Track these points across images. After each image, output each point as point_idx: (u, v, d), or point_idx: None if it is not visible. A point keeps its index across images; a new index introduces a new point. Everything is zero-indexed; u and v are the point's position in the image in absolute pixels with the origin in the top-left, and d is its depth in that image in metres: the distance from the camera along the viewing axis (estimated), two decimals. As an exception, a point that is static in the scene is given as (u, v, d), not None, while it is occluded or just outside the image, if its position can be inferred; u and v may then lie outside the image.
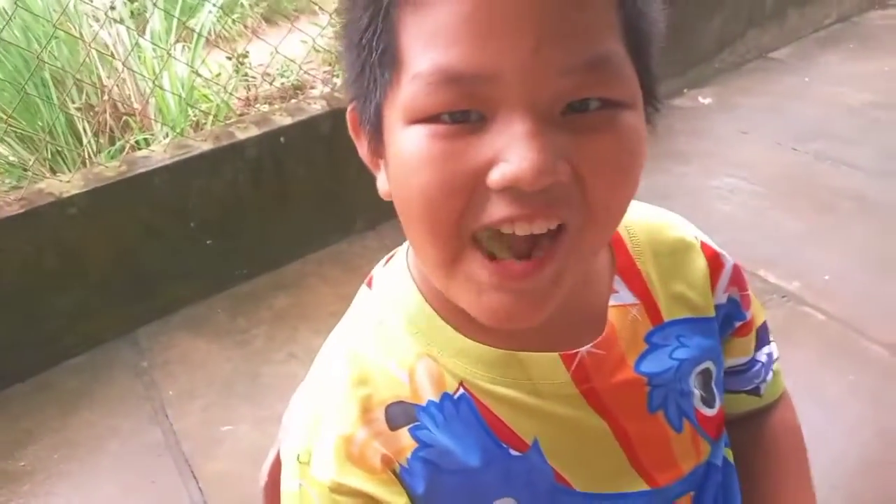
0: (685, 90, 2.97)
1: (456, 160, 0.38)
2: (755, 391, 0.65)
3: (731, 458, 0.61)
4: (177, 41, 2.32)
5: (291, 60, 2.42)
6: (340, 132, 2.25)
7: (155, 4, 2.18)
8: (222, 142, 1.96)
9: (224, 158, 1.97)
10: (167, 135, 2.12)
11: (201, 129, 2.10)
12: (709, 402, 0.56)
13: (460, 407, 0.47)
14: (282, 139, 2.03)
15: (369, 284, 0.55)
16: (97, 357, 1.84)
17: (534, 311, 0.41)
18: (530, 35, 0.36)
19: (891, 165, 2.37)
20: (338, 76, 2.48)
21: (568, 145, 0.37)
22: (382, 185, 0.47)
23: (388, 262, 0.56)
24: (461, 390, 0.48)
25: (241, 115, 2.17)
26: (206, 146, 1.94)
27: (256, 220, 2.08)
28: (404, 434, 0.47)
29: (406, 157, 0.40)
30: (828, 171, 2.39)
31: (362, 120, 0.45)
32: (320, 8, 2.48)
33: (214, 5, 2.47)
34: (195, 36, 2.31)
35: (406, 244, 0.53)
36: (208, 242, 2.01)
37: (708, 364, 0.56)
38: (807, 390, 1.45)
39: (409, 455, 0.46)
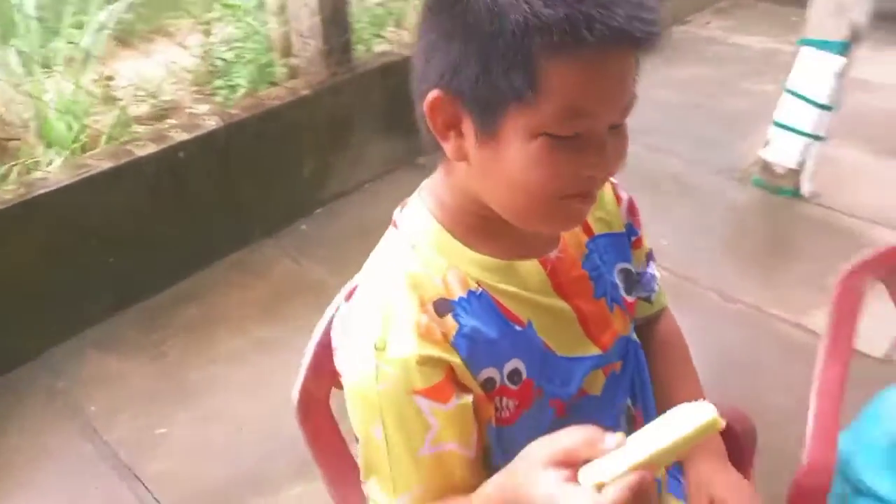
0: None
1: (568, 163, 0.61)
2: (648, 299, 0.93)
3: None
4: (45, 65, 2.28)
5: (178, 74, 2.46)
6: (235, 145, 2.39)
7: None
8: (120, 160, 2.01)
9: (123, 176, 2.01)
10: (51, 161, 2.09)
11: (91, 150, 2.11)
12: (628, 292, 0.83)
13: (481, 300, 0.69)
14: (180, 154, 2.11)
15: (395, 225, 0.74)
16: (12, 381, 1.82)
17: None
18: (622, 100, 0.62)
19: (701, 153, 2.91)
20: (217, 93, 2.55)
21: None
22: (456, 152, 0.65)
23: (403, 208, 0.75)
24: (480, 289, 0.69)
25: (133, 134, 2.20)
26: (105, 165, 1.98)
27: (158, 234, 2.13)
28: (449, 319, 0.67)
29: (532, 155, 0.61)
30: (655, 159, 2.87)
31: (469, 106, 0.62)
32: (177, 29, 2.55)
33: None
34: (85, 55, 2.29)
35: (418, 194, 0.73)
36: (111, 260, 2.04)
37: (625, 265, 0.83)
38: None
39: (454, 333, 0.67)
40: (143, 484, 1.60)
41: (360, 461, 0.73)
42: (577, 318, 0.76)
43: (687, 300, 2.08)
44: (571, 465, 0.57)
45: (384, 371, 0.65)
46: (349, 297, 0.74)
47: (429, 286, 0.68)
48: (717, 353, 1.84)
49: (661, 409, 0.91)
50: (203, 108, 2.47)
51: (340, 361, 0.72)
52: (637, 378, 0.89)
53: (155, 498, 1.58)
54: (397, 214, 0.75)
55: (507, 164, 0.63)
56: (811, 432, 1.02)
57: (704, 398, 0.92)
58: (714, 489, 0.86)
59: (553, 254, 0.74)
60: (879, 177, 2.71)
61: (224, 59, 2.62)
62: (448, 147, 0.66)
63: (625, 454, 0.55)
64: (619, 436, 0.56)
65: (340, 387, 0.76)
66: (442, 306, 0.67)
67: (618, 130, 0.64)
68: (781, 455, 1.06)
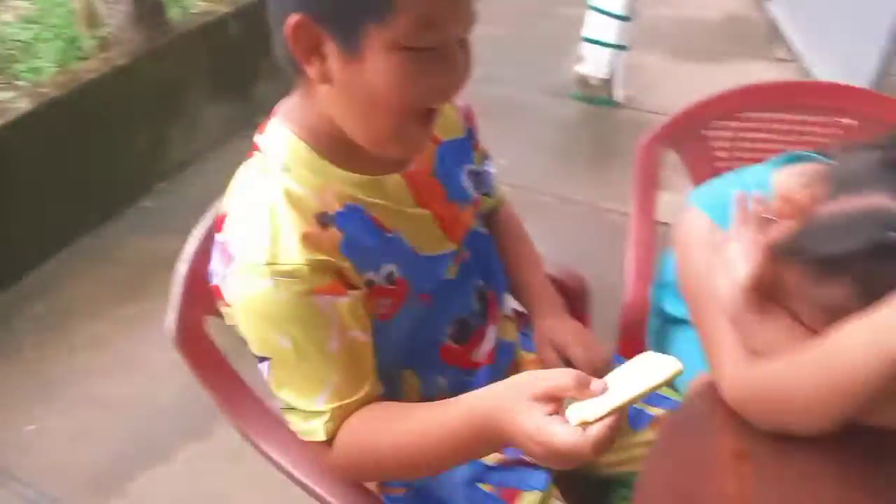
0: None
1: (425, 74, 0.67)
2: (489, 193, 1.04)
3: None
4: None
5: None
6: (55, 126, 2.22)
7: None
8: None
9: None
10: None
11: None
12: (474, 190, 0.94)
13: (355, 213, 0.76)
14: (-8, 143, 1.95)
15: (257, 149, 0.77)
16: None
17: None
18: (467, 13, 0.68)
19: (526, 78, 3.11)
20: (21, 77, 2.35)
21: None
22: (320, 75, 0.68)
23: (262, 132, 0.78)
24: (353, 202, 0.76)
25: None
26: None
27: (-15, 232, 1.98)
28: (332, 230, 0.73)
29: (393, 68, 0.65)
30: (485, 89, 3.03)
31: (330, 28, 0.65)
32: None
33: None
34: None
35: (277, 119, 0.76)
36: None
37: (470, 166, 0.93)
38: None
39: (340, 241, 0.73)
40: (23, 481, 1.54)
41: (269, 380, 0.76)
42: (436, 222, 0.85)
43: (530, 208, 2.23)
44: (556, 401, 0.62)
45: (281, 282, 0.69)
46: (219, 226, 0.76)
47: (308, 202, 0.73)
48: (560, 248, 2.04)
49: (511, 286, 1.06)
50: (8, 94, 2.28)
51: (231, 287, 0.73)
52: (486, 263, 1.00)
53: (41, 492, 1.52)
54: (259, 139, 0.78)
55: (370, 80, 0.67)
56: (629, 277, 1.21)
57: (544, 270, 1.09)
58: (556, 335, 1.00)
59: (412, 166, 0.83)
60: (679, 78, 3.05)
61: (20, 41, 2.41)
62: (311, 70, 0.69)
63: (603, 398, 0.61)
64: (602, 381, 0.62)
65: (218, 314, 0.79)
66: (324, 219, 0.73)
67: (464, 45, 0.71)
68: (614, 317, 1.22)
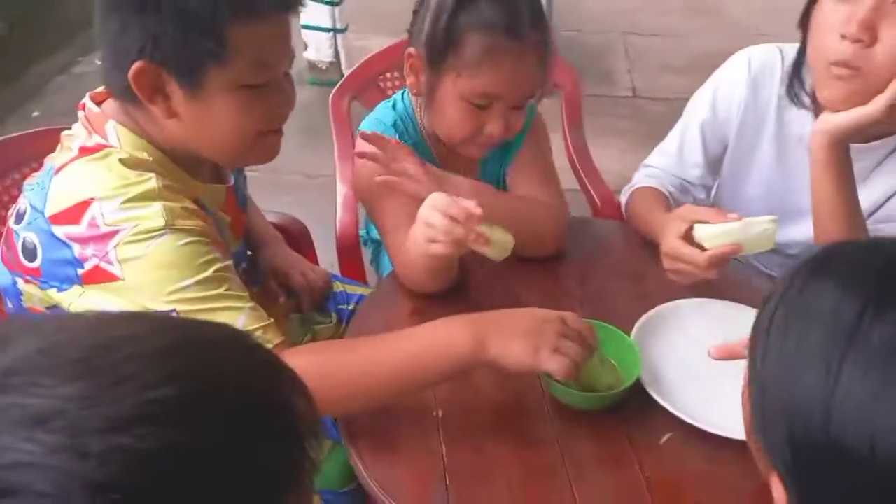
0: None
1: (265, 105, 0.82)
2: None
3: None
4: None
5: None
6: None
7: None
8: None
9: None
10: None
11: None
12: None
13: (202, 208, 0.85)
14: None
15: (98, 149, 0.80)
16: None
17: None
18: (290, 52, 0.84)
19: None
20: None
21: None
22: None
23: (94, 131, 0.82)
24: (199, 201, 0.86)
25: None
26: None
27: None
28: (202, 215, 0.83)
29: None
30: None
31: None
32: None
33: None
34: None
35: (117, 125, 0.81)
36: None
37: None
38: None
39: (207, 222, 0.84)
40: None
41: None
42: (232, 225, 0.99)
43: (282, 187, 2.40)
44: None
45: (179, 233, 0.77)
46: (68, 219, 0.77)
47: (176, 195, 0.80)
48: (308, 217, 2.21)
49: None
50: None
51: (126, 254, 0.75)
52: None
53: None
54: (95, 138, 0.81)
55: (217, 113, 0.80)
56: (338, 211, 1.40)
57: (264, 219, 1.25)
58: (277, 262, 1.19)
59: (230, 184, 0.98)
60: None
61: None
62: (157, 109, 0.79)
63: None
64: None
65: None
66: (192, 206, 0.82)
67: (287, 76, 0.86)
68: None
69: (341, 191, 1.41)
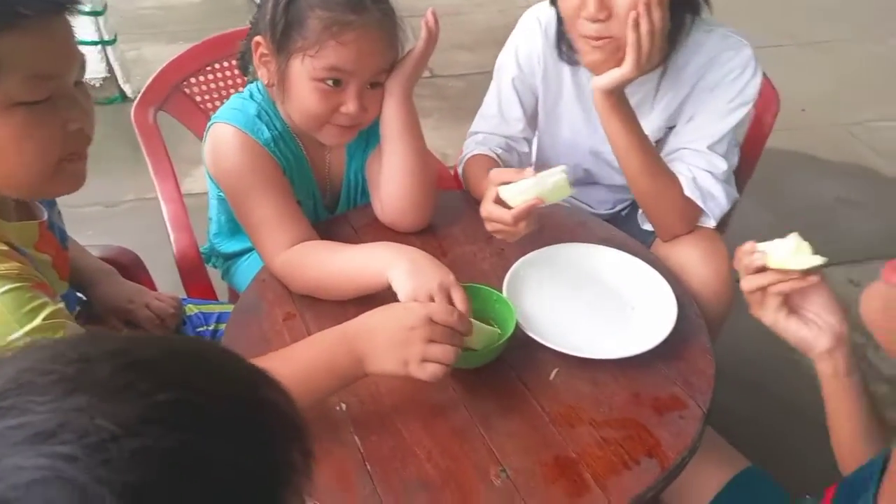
0: None
1: (50, 124, 0.72)
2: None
3: None
4: None
5: None
6: None
7: None
8: None
9: None
10: None
11: None
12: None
13: (15, 250, 0.77)
14: None
15: None
16: None
17: None
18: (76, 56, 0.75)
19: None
20: None
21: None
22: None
23: None
24: (9, 243, 0.76)
25: None
26: None
27: None
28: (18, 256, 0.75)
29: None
30: None
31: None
32: None
33: None
34: None
35: None
36: None
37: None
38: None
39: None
40: None
41: None
42: (54, 264, 0.87)
43: (80, 223, 2.14)
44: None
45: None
46: None
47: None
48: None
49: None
50: None
51: None
52: None
53: None
54: None
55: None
56: (171, 231, 1.31)
57: (90, 256, 1.12)
58: (115, 302, 1.10)
59: (45, 217, 0.86)
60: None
61: None
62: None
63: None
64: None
65: None
66: (3, 247, 0.75)
67: (79, 85, 0.76)
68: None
69: (168, 210, 1.31)
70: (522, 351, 0.91)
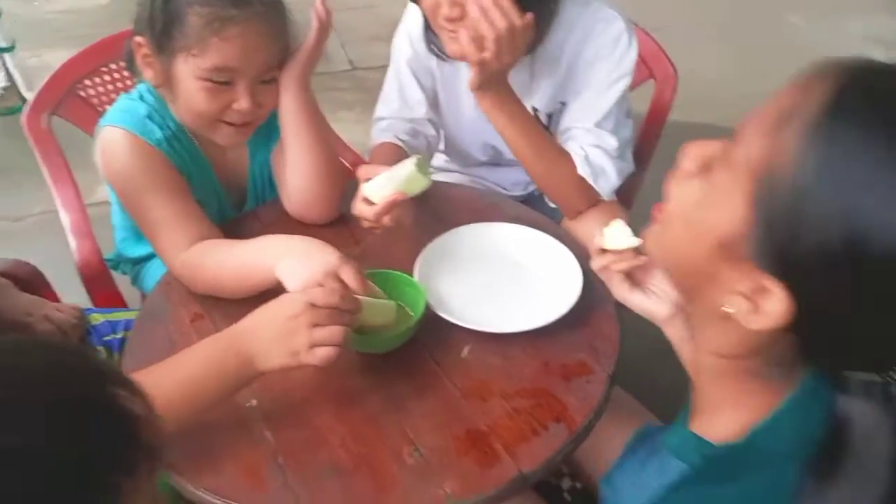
0: None
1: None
2: None
3: None
4: None
5: None
6: None
7: None
8: None
9: None
10: None
11: None
12: None
13: None
14: None
15: None
16: None
17: None
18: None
19: None
20: None
21: None
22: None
23: None
24: None
25: None
26: None
27: None
28: None
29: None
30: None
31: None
32: None
33: None
34: None
35: None
36: None
37: None
38: None
39: None
40: None
41: None
42: None
43: None
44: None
45: None
46: None
47: None
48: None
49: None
50: None
51: None
52: None
53: None
54: None
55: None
56: (71, 240, 1.26)
57: None
58: (15, 315, 1.02)
59: None
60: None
61: None
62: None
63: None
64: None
65: None
66: None
67: None
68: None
69: (67, 218, 1.26)
70: (435, 331, 0.91)
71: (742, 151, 0.50)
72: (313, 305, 0.76)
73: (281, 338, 0.76)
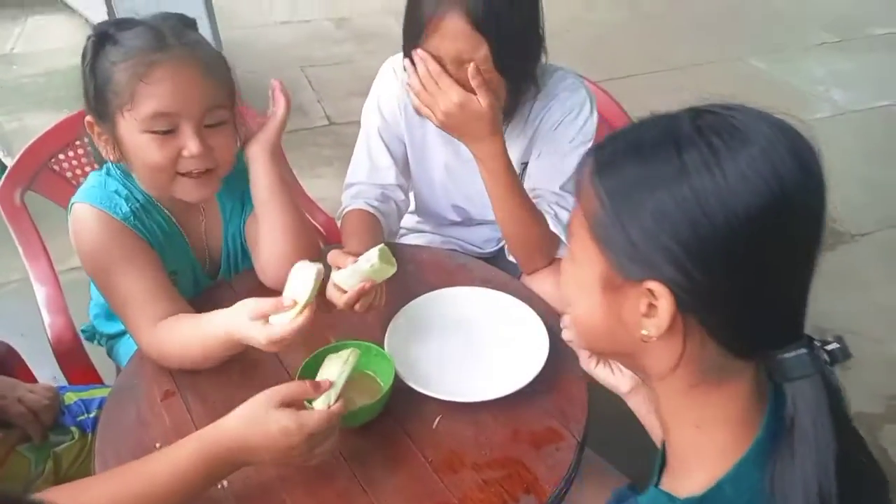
0: None
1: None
2: None
3: None
4: None
5: None
6: None
7: None
8: None
9: None
10: None
11: None
12: None
13: None
14: None
15: None
16: None
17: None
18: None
19: None
20: None
21: None
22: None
23: None
24: None
25: None
26: None
27: None
28: None
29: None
30: None
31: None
32: None
33: None
34: None
35: None
36: None
37: None
38: None
39: None
40: None
41: None
42: None
43: None
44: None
45: None
46: None
47: None
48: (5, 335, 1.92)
49: None
50: None
51: None
52: None
53: None
54: None
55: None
56: (45, 315, 1.26)
57: None
58: None
59: None
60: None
61: None
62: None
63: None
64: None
65: None
66: None
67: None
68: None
69: (42, 292, 1.26)
70: (407, 402, 0.92)
71: (576, 221, 0.62)
72: (312, 436, 0.78)
73: (281, 458, 0.80)
